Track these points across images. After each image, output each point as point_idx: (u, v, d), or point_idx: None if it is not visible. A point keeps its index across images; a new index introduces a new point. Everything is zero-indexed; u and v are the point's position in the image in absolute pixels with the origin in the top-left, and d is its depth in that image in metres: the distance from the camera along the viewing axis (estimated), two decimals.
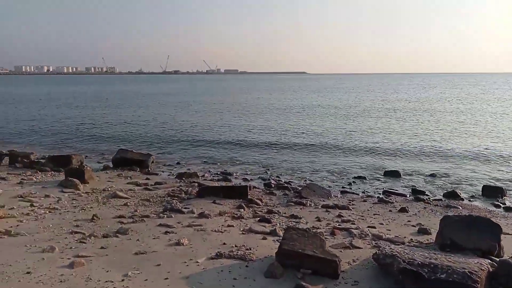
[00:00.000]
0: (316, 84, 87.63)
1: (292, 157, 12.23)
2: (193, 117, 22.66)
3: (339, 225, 5.79)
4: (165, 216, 5.80)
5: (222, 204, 6.69)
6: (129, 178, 8.89)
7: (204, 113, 24.96)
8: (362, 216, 6.46)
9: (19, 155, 10.08)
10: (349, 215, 6.44)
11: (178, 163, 11.25)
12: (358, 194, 8.31)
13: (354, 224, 5.91)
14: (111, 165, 10.26)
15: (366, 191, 8.62)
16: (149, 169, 10.10)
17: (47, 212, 5.75)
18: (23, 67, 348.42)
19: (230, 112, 25.72)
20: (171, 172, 10.00)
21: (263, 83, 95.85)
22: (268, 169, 10.59)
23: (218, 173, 10.08)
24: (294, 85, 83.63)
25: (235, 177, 9.70)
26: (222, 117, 22.69)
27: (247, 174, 10.12)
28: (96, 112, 25.58)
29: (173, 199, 7.04)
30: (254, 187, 8.46)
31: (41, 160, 10.36)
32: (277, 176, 9.88)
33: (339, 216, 6.34)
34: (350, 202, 7.49)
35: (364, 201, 7.74)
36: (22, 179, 8.14)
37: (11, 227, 4.91)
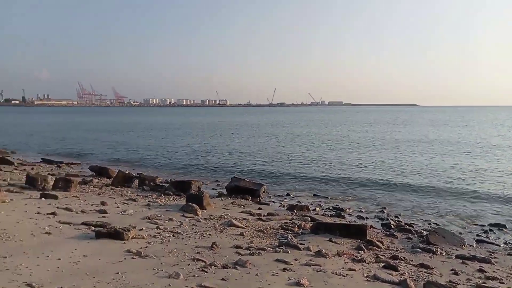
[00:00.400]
0: (429, 117, 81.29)
1: (411, 196, 11.15)
2: (301, 149, 22.64)
3: (483, 283, 4.88)
4: (281, 251, 5.61)
5: (339, 244, 6.27)
6: (242, 206, 9.05)
7: (312, 145, 24.79)
8: (511, 273, 5.40)
9: (146, 178, 11.08)
10: (494, 271, 5.43)
11: (287, 194, 11.13)
12: (499, 246, 7.07)
13: (504, 283, 4.93)
14: (225, 192, 10.64)
15: (509, 243, 7.30)
16: (260, 199, 10.18)
17: (171, 235, 6.03)
18: (150, 99, 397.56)
19: (338, 144, 25.12)
20: (281, 203, 9.91)
21: (369, 115, 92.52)
22: (385, 208, 9.76)
23: (330, 208, 9.64)
24: (404, 117, 78.78)
25: (349, 214, 9.14)
26: (330, 149, 22.22)
27: (362, 211, 9.47)
28: (212, 141, 27.33)
29: (287, 232, 6.86)
30: (372, 226, 7.83)
31: (165, 184, 11.26)
32: (395, 216, 9.03)
33: (481, 271, 5.39)
34: (491, 255, 6.38)
35: (509, 254, 6.53)
36: (149, 201, 8.87)
37: (141, 248, 5.22)
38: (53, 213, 6.78)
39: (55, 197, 8.19)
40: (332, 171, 14.92)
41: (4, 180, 10.59)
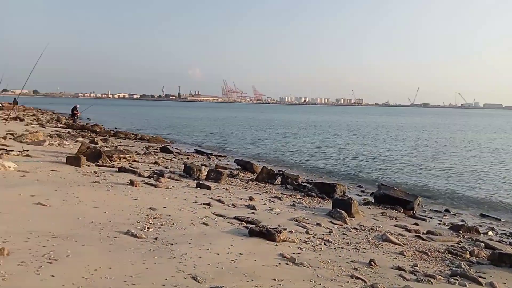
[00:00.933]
0: None
1: None
2: (457, 157, 19.91)
3: None
4: (457, 282, 4.64)
5: None
6: (394, 219, 8.13)
7: (471, 155, 21.58)
8: None
9: (289, 177, 11.00)
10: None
11: (446, 211, 9.65)
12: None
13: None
14: (372, 200, 9.82)
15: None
16: (414, 212, 9.04)
17: (323, 243, 5.62)
18: (286, 97, 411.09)
19: (508, 154, 21.33)
20: (441, 221, 8.60)
21: None
22: None
23: (507, 233, 7.94)
24: None
25: None
26: (498, 161, 18.96)
27: None
28: (351, 143, 26.31)
29: (456, 258, 5.76)
30: None
31: (307, 184, 11.01)
32: None
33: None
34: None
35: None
36: (294, 201, 8.68)
37: (294, 254, 4.94)
38: (208, 204, 7.08)
39: (209, 188, 8.64)
40: (503, 189, 12.53)
41: (166, 167, 11.81)
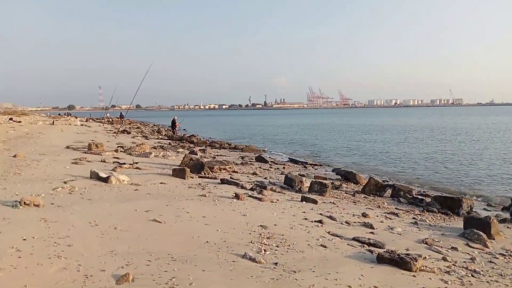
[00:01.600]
0: None
1: None
2: None
3: None
4: None
5: None
6: None
7: None
8: None
9: (401, 189, 9.90)
10: None
11: None
12: None
13: None
14: (507, 216, 8.28)
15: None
16: None
17: (469, 275, 4.63)
18: (375, 101, 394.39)
19: None
20: None
21: None
22: None
23: None
24: None
25: None
26: None
27: None
28: (463, 147, 23.60)
29: None
30: None
31: (421, 197, 9.80)
32: None
33: None
34: None
35: None
36: (413, 217, 7.66)
37: None
38: (320, 222, 6.49)
39: (315, 202, 8.05)
40: None
41: (265, 178, 11.54)
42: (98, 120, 50.55)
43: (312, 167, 15.75)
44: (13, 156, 11.28)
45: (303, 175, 12.73)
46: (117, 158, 13.01)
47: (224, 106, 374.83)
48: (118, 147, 17.15)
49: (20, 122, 33.02)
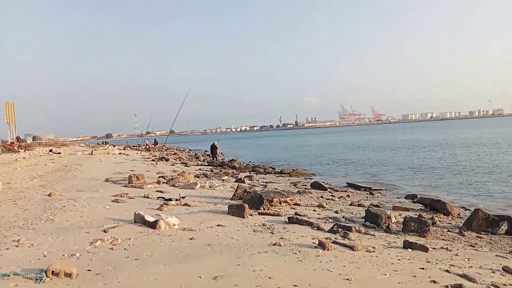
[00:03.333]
0: None
1: None
2: None
3: None
4: None
5: None
6: None
7: None
8: None
9: None
10: None
11: None
12: None
13: None
14: None
15: None
16: None
17: None
18: (409, 115, 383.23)
19: None
20: None
21: None
22: None
23: None
24: None
25: None
26: None
27: None
28: None
29: None
30: None
31: None
32: None
33: None
34: None
35: None
36: None
37: None
38: (434, 282, 4.53)
39: (425, 249, 6.07)
40: None
41: (336, 212, 9.63)
42: (135, 148, 50.47)
43: (379, 193, 13.66)
44: (48, 195, 10.04)
45: (376, 206, 10.73)
46: (161, 192, 11.56)
47: (255, 128, 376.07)
48: (159, 177, 15.85)
49: (59, 153, 32.91)
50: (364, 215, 9.23)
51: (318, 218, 8.66)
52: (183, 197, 10.35)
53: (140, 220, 7.15)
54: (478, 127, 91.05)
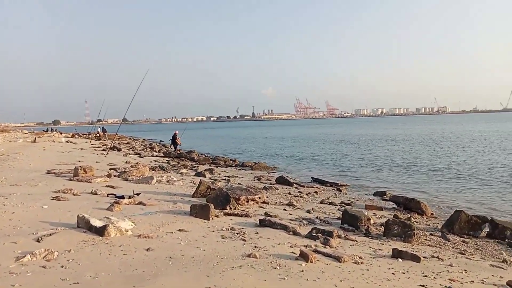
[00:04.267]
0: None
1: None
2: None
3: None
4: None
5: None
6: None
7: None
8: None
9: (506, 226, 7.35)
10: None
11: None
12: None
13: None
14: None
15: None
16: None
17: None
18: (361, 110, 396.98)
19: None
20: None
21: None
22: None
23: None
24: None
25: None
26: None
27: None
28: (488, 156, 21.37)
29: None
30: None
31: None
32: None
33: None
34: None
35: None
36: None
37: None
38: None
39: (416, 259, 5.42)
40: None
41: (308, 212, 8.88)
42: (85, 136, 47.30)
43: (346, 189, 13.14)
44: None
45: (348, 204, 10.14)
46: (112, 187, 10.23)
47: (212, 118, 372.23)
48: (110, 169, 14.35)
49: None
50: (338, 215, 8.58)
51: (291, 220, 7.86)
52: (138, 194, 9.13)
53: (84, 225, 5.92)
54: (428, 123, 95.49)
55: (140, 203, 8.23)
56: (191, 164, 19.17)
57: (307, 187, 13.25)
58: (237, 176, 15.53)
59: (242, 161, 21.48)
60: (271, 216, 7.90)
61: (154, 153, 26.37)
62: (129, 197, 8.78)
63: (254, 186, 12.23)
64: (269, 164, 20.70)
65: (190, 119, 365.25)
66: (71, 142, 33.04)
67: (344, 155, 26.32)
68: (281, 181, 13.68)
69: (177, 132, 28.14)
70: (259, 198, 9.30)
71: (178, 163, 19.82)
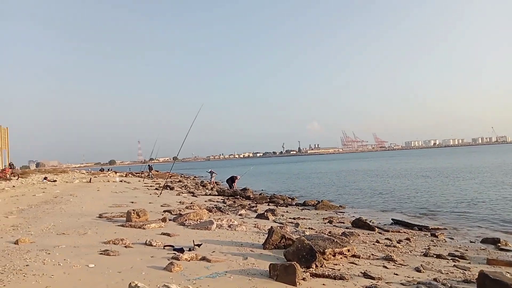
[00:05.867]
0: None
1: None
2: None
3: None
4: None
5: None
6: None
7: None
8: None
9: None
10: None
11: None
12: None
13: None
14: None
15: None
16: None
17: None
18: (412, 142, 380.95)
19: None
20: None
21: None
22: None
23: None
24: None
25: None
26: None
27: None
28: None
29: None
30: None
31: None
32: None
33: None
34: None
35: None
36: None
37: None
38: None
39: None
40: None
41: (417, 270, 6.79)
42: (138, 174, 47.75)
43: (443, 235, 10.77)
44: (15, 243, 7.29)
45: (461, 257, 7.90)
46: (168, 234, 8.80)
47: (258, 154, 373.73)
48: (164, 211, 13.11)
49: (55, 181, 30.23)
50: (459, 275, 6.43)
51: (402, 283, 5.85)
52: (199, 245, 7.58)
53: None
54: (502, 153, 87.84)
55: (203, 258, 6.63)
56: (249, 204, 17.55)
57: (392, 232, 11.07)
58: (304, 218, 13.64)
59: (303, 200, 19.56)
60: (372, 278, 5.97)
61: (207, 191, 25.18)
62: (189, 249, 7.26)
63: (330, 232, 10.29)
64: (334, 202, 18.60)
65: (237, 156, 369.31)
66: (125, 181, 32.94)
67: (417, 190, 23.47)
68: (359, 224, 11.62)
69: (238, 177, 27.34)
70: (348, 250, 7.36)
71: (234, 202, 18.33)
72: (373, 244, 9.12)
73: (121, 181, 33.21)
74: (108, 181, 32.22)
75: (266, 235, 8.84)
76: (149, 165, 46.82)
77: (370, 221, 12.46)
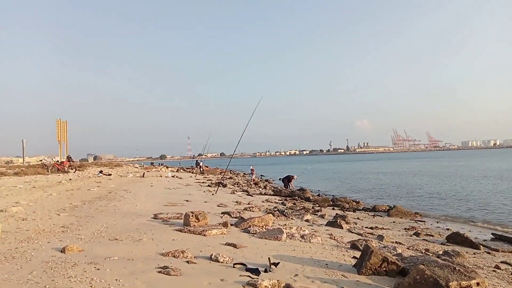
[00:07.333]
0: None
1: None
2: None
3: None
4: None
5: None
6: None
7: None
8: None
9: None
10: None
11: None
12: None
13: None
14: None
15: None
16: None
17: None
18: (469, 142, 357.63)
19: None
20: None
21: None
22: None
23: None
24: None
25: None
26: None
27: None
28: None
29: None
30: None
31: None
32: None
33: None
34: None
35: None
36: None
37: None
38: None
39: None
40: None
41: None
42: (188, 170, 47.66)
43: None
44: (61, 251, 6.21)
45: None
46: (234, 245, 7.38)
47: (304, 152, 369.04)
48: (222, 213, 11.84)
49: (110, 175, 30.35)
50: None
51: None
52: (276, 264, 6.08)
53: None
54: None
55: (288, 287, 5.10)
56: (312, 207, 15.88)
57: (503, 251, 8.92)
58: (382, 228, 11.74)
59: (368, 203, 17.56)
60: None
61: (261, 190, 23.79)
62: (265, 270, 5.78)
63: (427, 249, 8.38)
64: (407, 208, 16.43)
65: (283, 153, 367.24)
66: (176, 177, 32.50)
67: (504, 195, 20.53)
68: (458, 240, 9.57)
69: (295, 177, 25.73)
70: (478, 284, 5.49)
71: (295, 204, 16.75)
72: (493, 270, 7.12)
73: (173, 176, 32.83)
74: (161, 176, 31.94)
75: (349, 250, 7.24)
76: (196, 161, 46.43)
77: (466, 235, 10.33)
